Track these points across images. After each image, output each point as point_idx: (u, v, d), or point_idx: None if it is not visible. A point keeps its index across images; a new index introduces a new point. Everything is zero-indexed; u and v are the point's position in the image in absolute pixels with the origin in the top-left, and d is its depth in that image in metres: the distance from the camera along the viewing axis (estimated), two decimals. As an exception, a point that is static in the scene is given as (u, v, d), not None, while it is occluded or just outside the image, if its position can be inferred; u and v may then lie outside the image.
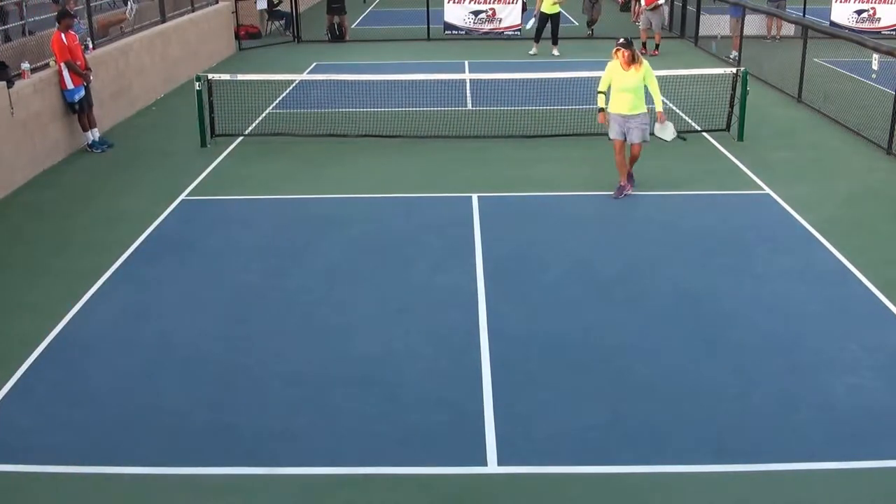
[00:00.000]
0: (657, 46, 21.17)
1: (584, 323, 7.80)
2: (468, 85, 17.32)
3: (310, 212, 10.64)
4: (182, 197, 11.18)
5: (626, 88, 10.58)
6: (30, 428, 6.34)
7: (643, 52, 20.66)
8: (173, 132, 14.39)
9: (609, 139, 10.93)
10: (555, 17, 21.25)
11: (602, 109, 10.86)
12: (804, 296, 8.29)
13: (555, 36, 21.46)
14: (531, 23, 21.56)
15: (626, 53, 10.53)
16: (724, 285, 8.49)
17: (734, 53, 19.77)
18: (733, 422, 6.31)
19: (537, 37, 21.51)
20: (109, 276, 8.83)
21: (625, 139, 10.77)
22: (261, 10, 24.61)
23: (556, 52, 21.37)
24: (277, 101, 16.32)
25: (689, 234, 9.85)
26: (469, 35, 24.04)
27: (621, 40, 10.70)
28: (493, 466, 5.87)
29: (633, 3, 27.78)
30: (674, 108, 14.74)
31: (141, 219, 10.35)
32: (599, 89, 10.91)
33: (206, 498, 5.63)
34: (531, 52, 21.42)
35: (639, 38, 23.87)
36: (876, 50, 13.54)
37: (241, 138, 13.87)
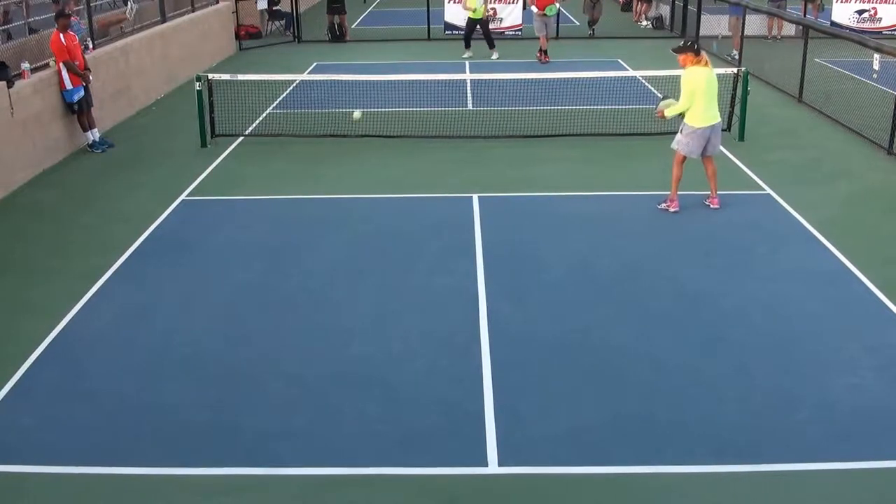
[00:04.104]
0: (545, 53, 20.55)
1: (585, 323, 7.79)
2: (469, 85, 17.32)
3: (310, 212, 10.62)
4: (182, 197, 11.18)
5: (714, 92, 10.06)
6: (30, 428, 6.34)
7: (546, 60, 20.48)
8: (173, 132, 14.39)
9: (684, 155, 10.21)
10: (483, 22, 21.02)
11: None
12: (804, 296, 8.28)
13: (487, 39, 21.15)
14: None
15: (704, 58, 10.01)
16: (725, 285, 8.48)
17: (734, 53, 19.75)
18: (733, 422, 6.30)
19: (467, 41, 21.39)
20: (110, 276, 8.83)
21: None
22: (261, 10, 24.62)
23: (494, 55, 21.08)
24: (278, 102, 16.31)
25: (690, 234, 9.84)
26: (469, 35, 24.01)
27: (691, 44, 10.12)
28: (493, 467, 5.86)
29: (635, 3, 27.83)
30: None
31: (141, 219, 10.34)
32: (683, 106, 10.01)
33: (206, 498, 5.62)
34: (465, 56, 21.23)
35: (640, 37, 23.97)
36: (878, 50, 13.52)
37: (241, 138, 13.87)
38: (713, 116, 10.12)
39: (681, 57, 10.08)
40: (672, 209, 10.36)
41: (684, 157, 10.27)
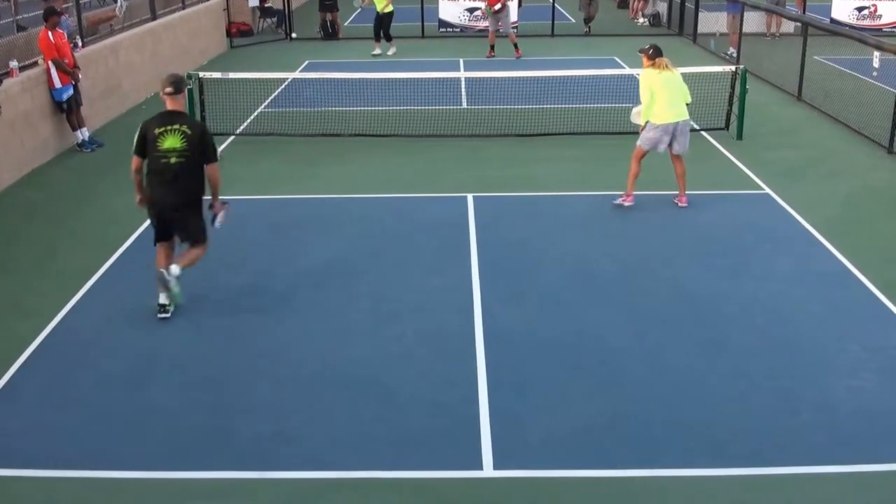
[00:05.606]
0: (516, 47, 20.71)
1: (581, 324, 7.69)
2: (463, 83, 17.21)
3: (302, 212, 10.52)
4: (173, 196, 11.03)
5: (676, 91, 10.22)
6: (18, 431, 6.24)
7: (491, 55, 20.76)
8: (165, 131, 14.23)
9: (644, 150, 10.31)
10: (386, 17, 21.10)
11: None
12: (804, 297, 8.19)
13: (386, 34, 21.28)
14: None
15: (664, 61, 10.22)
16: (723, 286, 8.39)
17: (732, 50, 19.67)
18: (732, 424, 6.22)
19: (377, 37, 21.47)
20: (99, 277, 8.73)
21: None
22: (253, 8, 24.51)
23: (391, 51, 21.26)
24: (269, 100, 16.19)
25: (688, 235, 9.74)
26: (464, 32, 23.96)
27: (649, 47, 10.31)
28: (488, 470, 5.78)
29: (631, 0, 27.80)
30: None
31: (131, 219, 10.17)
32: (645, 105, 10.14)
33: (198, 502, 5.53)
34: (376, 53, 21.36)
35: (637, 34, 23.87)
36: (878, 48, 13.44)
37: (232, 137, 13.74)
38: (677, 114, 10.19)
39: (642, 57, 10.41)
40: (626, 203, 10.42)
41: (643, 154, 10.35)
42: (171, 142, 7.58)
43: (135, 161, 7.77)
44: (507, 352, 7.22)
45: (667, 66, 10.23)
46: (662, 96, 10.11)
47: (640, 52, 10.49)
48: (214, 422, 6.30)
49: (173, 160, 7.60)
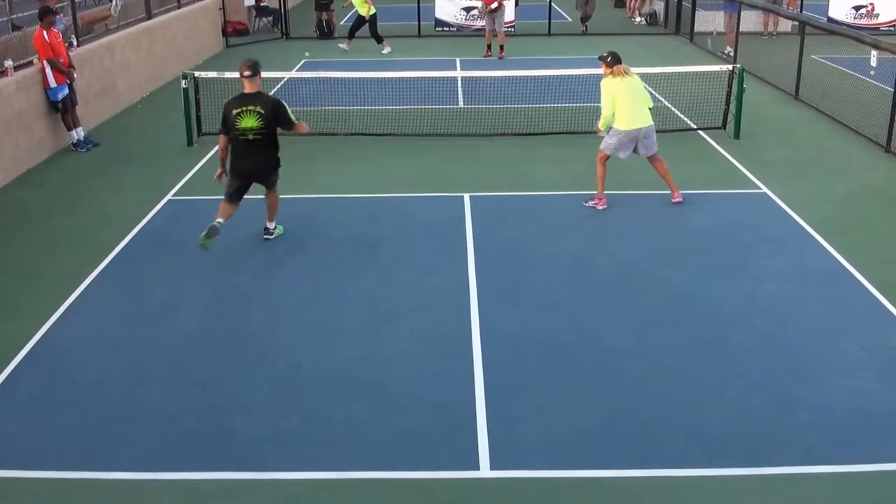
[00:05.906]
0: (501, 48, 20.74)
1: (579, 324, 7.67)
2: (460, 83, 17.18)
3: (298, 212, 10.46)
4: (168, 197, 11.01)
5: (638, 97, 10.16)
6: (12, 432, 6.22)
7: (488, 54, 20.76)
8: (159, 131, 14.21)
9: (607, 154, 10.29)
10: (371, 19, 21.10)
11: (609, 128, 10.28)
12: (801, 296, 8.17)
13: (375, 35, 21.28)
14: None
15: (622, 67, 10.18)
16: (721, 286, 8.36)
17: (729, 49, 19.65)
18: (730, 424, 6.20)
19: (350, 34, 21.59)
20: (95, 278, 8.68)
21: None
22: (248, 7, 24.44)
23: (385, 50, 21.24)
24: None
25: (685, 234, 9.72)
26: (460, 32, 23.92)
27: (606, 55, 10.24)
28: (485, 471, 5.76)
29: (628, -2, 27.81)
30: (669, 105, 14.61)
31: (127, 219, 10.19)
32: (606, 114, 10.18)
33: (196, 503, 5.51)
34: (340, 46, 21.54)
35: (634, 33, 23.86)
36: (875, 47, 13.41)
37: (229, 137, 13.68)
38: (640, 119, 10.12)
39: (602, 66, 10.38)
40: (599, 207, 10.33)
41: (607, 157, 10.31)
42: (248, 121, 8.77)
43: (222, 139, 9.08)
44: (504, 351, 7.19)
45: (626, 73, 10.17)
46: (625, 103, 10.07)
47: (598, 59, 10.39)
48: (211, 422, 6.28)
49: (251, 137, 8.84)
